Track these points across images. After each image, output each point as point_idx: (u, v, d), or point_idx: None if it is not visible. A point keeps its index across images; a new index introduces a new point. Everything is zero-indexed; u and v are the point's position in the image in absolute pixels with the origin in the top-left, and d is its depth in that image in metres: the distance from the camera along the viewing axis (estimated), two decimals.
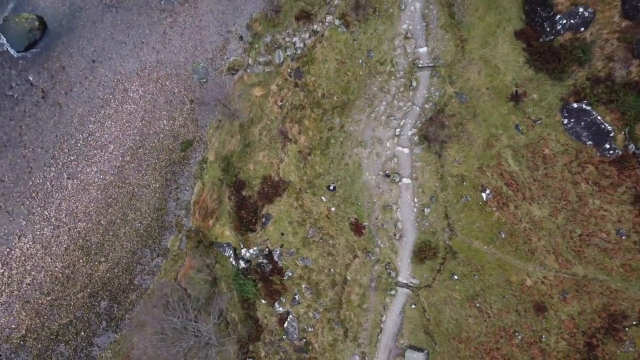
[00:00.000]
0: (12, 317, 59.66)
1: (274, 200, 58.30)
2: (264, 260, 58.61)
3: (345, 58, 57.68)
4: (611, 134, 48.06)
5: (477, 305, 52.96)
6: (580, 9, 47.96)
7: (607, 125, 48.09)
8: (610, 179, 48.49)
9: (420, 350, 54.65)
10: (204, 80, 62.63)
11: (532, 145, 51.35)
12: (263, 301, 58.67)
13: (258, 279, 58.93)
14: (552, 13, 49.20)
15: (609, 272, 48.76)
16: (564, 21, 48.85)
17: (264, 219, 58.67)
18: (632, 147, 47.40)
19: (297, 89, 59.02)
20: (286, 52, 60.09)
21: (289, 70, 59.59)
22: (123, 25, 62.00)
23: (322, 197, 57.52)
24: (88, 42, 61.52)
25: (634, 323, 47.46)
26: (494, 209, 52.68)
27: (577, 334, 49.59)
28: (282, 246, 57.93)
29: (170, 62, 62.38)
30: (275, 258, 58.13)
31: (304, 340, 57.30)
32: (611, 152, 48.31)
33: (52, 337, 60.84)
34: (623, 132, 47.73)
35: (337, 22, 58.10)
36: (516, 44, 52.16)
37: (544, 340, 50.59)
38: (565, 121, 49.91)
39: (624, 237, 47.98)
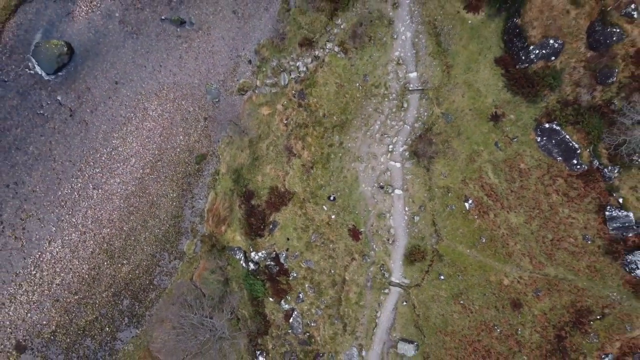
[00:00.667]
0: (43, 314, 61.48)
1: (280, 209, 59.71)
2: (272, 263, 60.21)
3: (344, 81, 58.78)
4: (578, 151, 49.91)
5: (461, 302, 54.87)
6: (551, 41, 49.48)
7: (574, 143, 49.90)
8: (578, 190, 50.31)
9: (411, 342, 56.77)
10: (217, 100, 63.52)
11: (509, 160, 52.97)
12: (271, 299, 60.35)
13: (266, 279, 60.35)
14: (526, 44, 50.52)
15: (576, 272, 50.73)
16: (537, 51, 50.32)
17: (271, 226, 60.14)
18: (596, 162, 49.36)
19: (300, 109, 60.07)
20: (290, 75, 61.02)
21: (293, 91, 60.62)
22: (143, 50, 62.88)
23: (324, 206, 59.21)
24: (111, 65, 62.54)
25: (598, 317, 49.59)
26: (476, 216, 54.40)
27: (548, 327, 51.54)
28: (287, 250, 59.62)
29: (186, 83, 63.23)
30: (282, 260, 59.82)
31: (308, 334, 59.32)
32: (578, 167, 50.18)
33: (79, 332, 62.44)
34: (588, 150, 49.64)
35: (336, 49, 59.21)
36: (496, 70, 53.29)
37: (519, 333, 52.62)
38: (539, 139, 51.67)
39: (589, 242, 50.22)
